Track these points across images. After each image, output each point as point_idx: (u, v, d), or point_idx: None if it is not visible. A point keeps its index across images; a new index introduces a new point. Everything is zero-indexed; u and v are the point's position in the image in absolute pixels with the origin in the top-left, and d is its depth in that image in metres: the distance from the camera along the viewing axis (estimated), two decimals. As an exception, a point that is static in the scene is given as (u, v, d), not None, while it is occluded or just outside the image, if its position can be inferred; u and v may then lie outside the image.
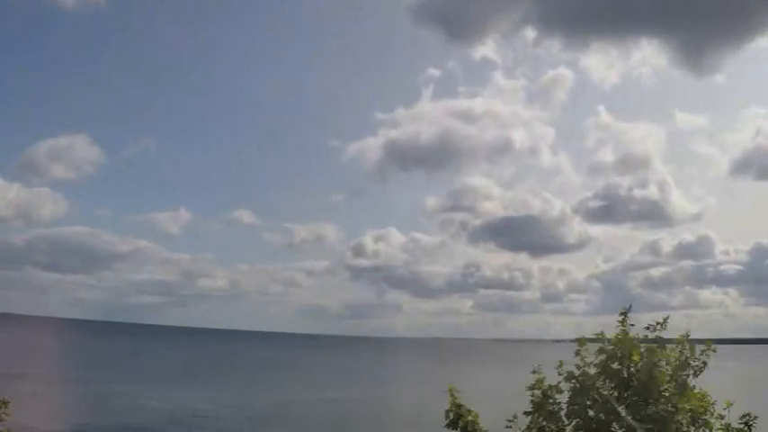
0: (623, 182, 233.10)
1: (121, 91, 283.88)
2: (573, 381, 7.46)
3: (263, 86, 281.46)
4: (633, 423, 6.99)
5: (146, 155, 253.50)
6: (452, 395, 7.37)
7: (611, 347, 7.41)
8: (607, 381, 7.37)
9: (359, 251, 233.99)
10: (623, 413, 6.97)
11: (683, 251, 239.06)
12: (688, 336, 7.56)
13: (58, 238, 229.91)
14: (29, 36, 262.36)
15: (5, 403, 5.75)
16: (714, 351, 7.48)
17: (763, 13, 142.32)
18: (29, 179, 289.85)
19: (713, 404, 7.27)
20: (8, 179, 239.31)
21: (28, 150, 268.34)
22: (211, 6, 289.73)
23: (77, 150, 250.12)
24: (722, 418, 7.26)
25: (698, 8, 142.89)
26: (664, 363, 7.33)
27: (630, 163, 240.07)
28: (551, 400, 7.45)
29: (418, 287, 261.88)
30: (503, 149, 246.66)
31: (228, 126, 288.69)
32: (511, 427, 7.42)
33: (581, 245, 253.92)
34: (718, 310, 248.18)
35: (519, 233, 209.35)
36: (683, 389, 7.28)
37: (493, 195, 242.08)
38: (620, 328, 7.59)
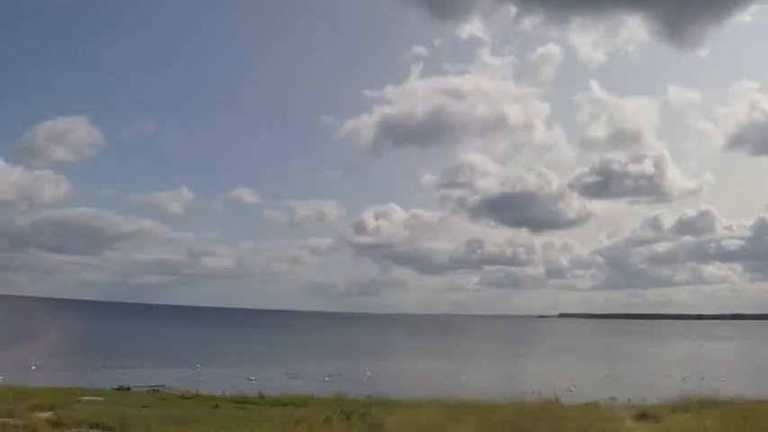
0: (619, 157, 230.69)
1: (118, 73, 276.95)
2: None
3: (254, 66, 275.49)
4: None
5: (145, 136, 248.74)
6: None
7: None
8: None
9: (361, 228, 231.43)
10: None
11: (685, 226, 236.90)
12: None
13: (63, 219, 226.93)
14: (24, 20, 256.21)
15: None
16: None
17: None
18: (31, 162, 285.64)
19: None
20: (10, 162, 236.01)
21: (28, 133, 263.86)
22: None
23: (77, 133, 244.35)
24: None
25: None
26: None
27: (625, 138, 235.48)
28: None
29: (423, 264, 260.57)
30: (496, 125, 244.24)
31: (223, 106, 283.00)
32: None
33: (581, 220, 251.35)
34: (724, 286, 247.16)
35: (518, 209, 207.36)
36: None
37: (489, 171, 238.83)
38: None
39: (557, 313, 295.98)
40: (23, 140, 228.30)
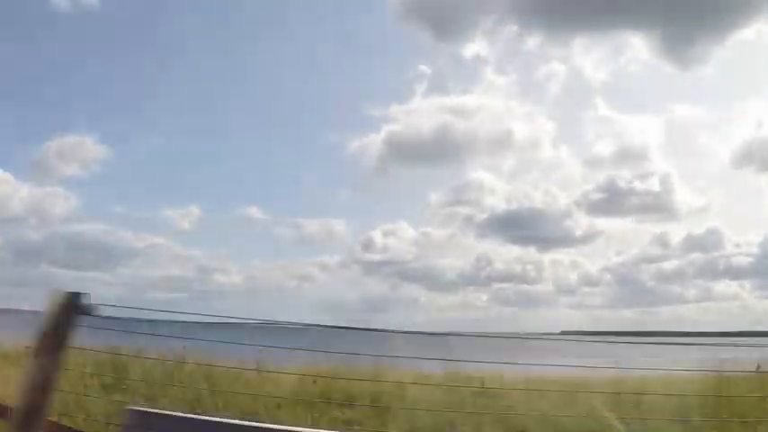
0: (626, 174, 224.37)
1: (127, 89, 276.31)
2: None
3: (262, 84, 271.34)
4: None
5: (154, 152, 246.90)
6: None
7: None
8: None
9: (370, 246, 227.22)
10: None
11: (694, 244, 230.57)
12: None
13: (74, 235, 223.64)
14: (30, 38, 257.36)
15: None
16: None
17: (743, 6, 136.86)
18: (40, 179, 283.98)
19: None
20: (20, 179, 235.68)
21: (38, 149, 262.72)
22: (209, 3, 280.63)
23: (87, 149, 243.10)
24: None
25: (678, 1, 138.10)
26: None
27: (631, 155, 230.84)
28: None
29: (432, 281, 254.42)
30: (502, 144, 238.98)
31: (230, 123, 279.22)
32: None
33: (588, 238, 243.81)
34: (734, 303, 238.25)
35: (525, 227, 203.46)
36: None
37: (496, 189, 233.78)
38: None
39: (559, 330, 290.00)
40: (33, 157, 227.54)
